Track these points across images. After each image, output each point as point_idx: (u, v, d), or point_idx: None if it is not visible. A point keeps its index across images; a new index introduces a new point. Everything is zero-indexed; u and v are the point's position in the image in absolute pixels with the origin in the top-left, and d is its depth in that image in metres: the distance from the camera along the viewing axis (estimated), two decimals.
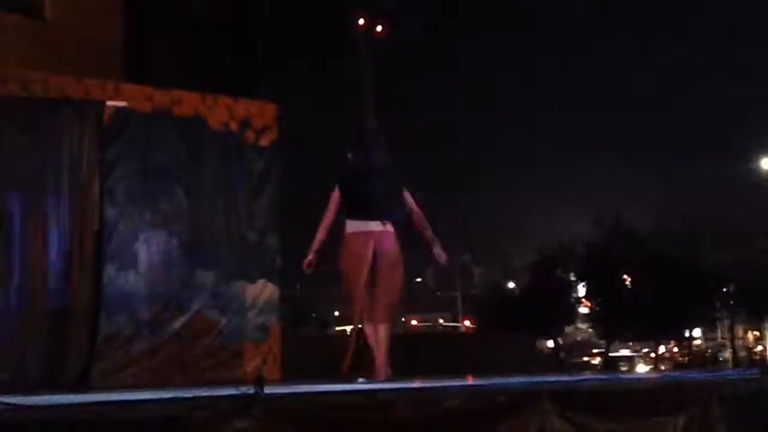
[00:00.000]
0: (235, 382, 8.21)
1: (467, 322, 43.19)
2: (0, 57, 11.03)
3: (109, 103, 9.26)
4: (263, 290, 10.14)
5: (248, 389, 4.18)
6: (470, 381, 7.29)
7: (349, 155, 8.55)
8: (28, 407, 4.34)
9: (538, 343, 26.52)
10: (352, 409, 4.10)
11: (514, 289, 36.17)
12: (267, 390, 4.09)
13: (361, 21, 23.15)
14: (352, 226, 8.27)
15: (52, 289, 8.67)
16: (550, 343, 34.47)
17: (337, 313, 45.41)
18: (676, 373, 9.66)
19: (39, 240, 8.69)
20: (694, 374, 8.67)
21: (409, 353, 12.69)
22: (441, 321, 48.84)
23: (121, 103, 9.33)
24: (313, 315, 39.30)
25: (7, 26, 11.84)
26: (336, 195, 8.37)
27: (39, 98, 8.94)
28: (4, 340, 8.39)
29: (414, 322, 45.97)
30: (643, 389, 5.68)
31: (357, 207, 8.27)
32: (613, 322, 31.25)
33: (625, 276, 32.06)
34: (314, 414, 3.95)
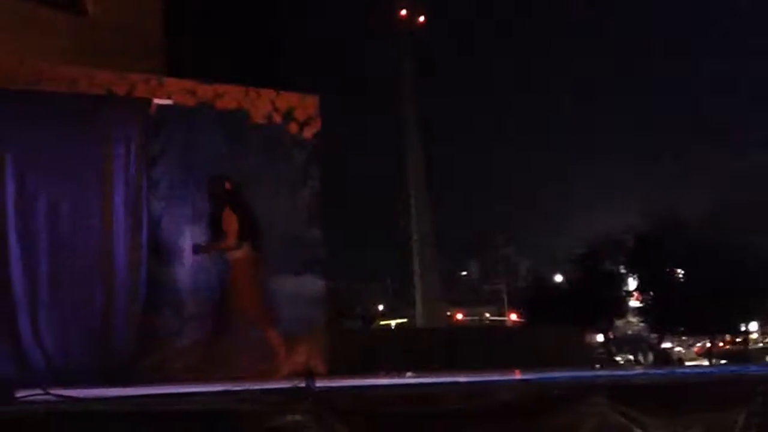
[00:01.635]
0: (281, 376, 8.19)
1: (514, 316, 42.91)
2: (44, 53, 11.06)
3: (156, 100, 9.28)
4: (307, 283, 10.08)
5: (299, 382, 4.12)
6: (517, 375, 7.15)
7: (228, 185, 8.94)
8: (80, 399, 4.35)
9: (587, 337, 26.20)
10: (402, 402, 4.01)
11: (561, 282, 35.81)
12: (317, 383, 4.03)
13: (403, 12, 23.10)
14: (244, 250, 8.76)
15: (100, 284, 8.69)
16: (600, 337, 34.10)
17: (381, 307, 45.43)
18: (735, 366, 9.41)
19: (87, 235, 8.72)
20: (754, 368, 8.43)
21: (454, 347, 12.58)
22: (487, 315, 48.57)
23: (168, 101, 9.35)
24: (358, 309, 39.34)
25: (51, 22, 11.89)
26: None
27: (87, 94, 8.98)
28: (56, 334, 8.45)
29: (459, 316, 45.76)
30: (700, 383, 5.50)
31: (250, 232, 8.85)
32: (665, 316, 30.78)
33: (677, 269, 31.56)
34: (365, 407, 3.87)
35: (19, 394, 4.59)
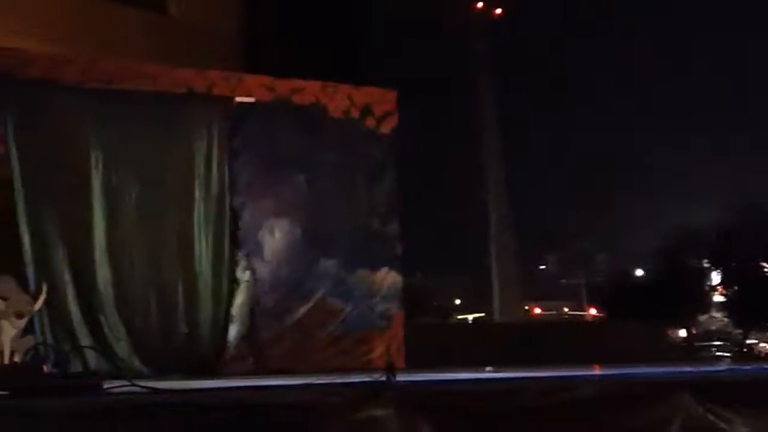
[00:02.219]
0: (359, 370, 8.21)
1: (593, 311, 42.31)
2: (126, 51, 11.27)
3: (238, 99, 9.40)
4: (386, 278, 10.10)
5: (380, 376, 4.12)
6: (597, 370, 7.05)
7: None
8: (165, 391, 4.42)
9: (669, 333, 25.66)
10: (484, 397, 3.98)
11: (642, 276, 35.13)
12: (398, 377, 4.02)
13: (480, 4, 23.00)
14: None
15: (183, 277, 8.86)
16: (683, 333, 33.36)
17: (458, 302, 45.18)
18: None
19: (171, 231, 8.88)
20: None
21: (532, 342, 12.45)
22: (565, 309, 47.97)
23: (249, 99, 9.45)
24: (435, 303, 39.23)
25: (132, 21, 12.09)
26: None
27: (172, 93, 9.13)
28: (141, 328, 8.64)
29: (537, 311, 45.30)
30: None
31: None
32: (751, 311, 29.95)
33: (763, 262, 30.66)
34: (446, 401, 3.84)
35: (107, 385, 4.71)
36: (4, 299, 6.95)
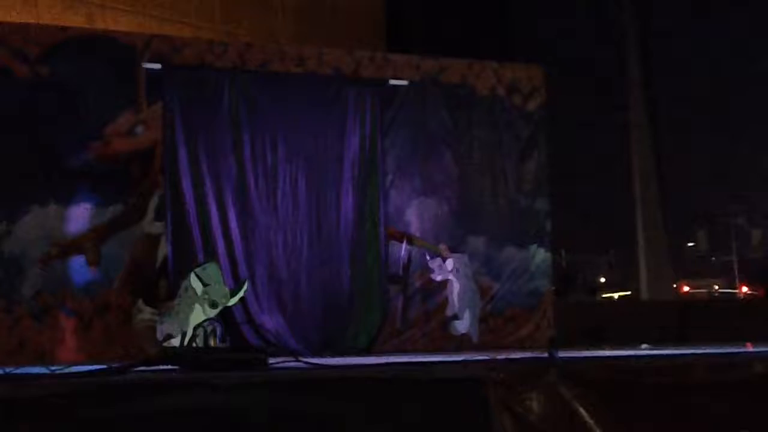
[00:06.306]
0: (509, 348, 8.21)
1: (745, 289, 40.81)
2: (273, 34, 11.52)
3: (392, 81, 9.50)
4: (534, 255, 10.04)
5: (542, 353, 4.11)
6: (750, 348, 6.81)
7: None
8: (331, 366, 4.52)
9: None
10: (651, 373, 3.91)
11: None
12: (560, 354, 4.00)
13: None
14: None
15: (338, 260, 9.04)
16: None
17: (603, 280, 44.34)
18: None
19: (326, 209, 9.06)
20: None
21: (682, 320, 12.13)
22: (716, 287, 46.43)
23: (402, 82, 9.53)
24: (579, 281, 38.57)
25: (278, 4, 12.32)
26: None
27: (320, 74, 9.30)
28: (299, 311, 8.85)
29: (686, 288, 43.97)
30: None
31: None
32: None
33: None
34: (610, 378, 3.80)
35: (272, 361, 4.84)
36: (206, 285, 7.09)
